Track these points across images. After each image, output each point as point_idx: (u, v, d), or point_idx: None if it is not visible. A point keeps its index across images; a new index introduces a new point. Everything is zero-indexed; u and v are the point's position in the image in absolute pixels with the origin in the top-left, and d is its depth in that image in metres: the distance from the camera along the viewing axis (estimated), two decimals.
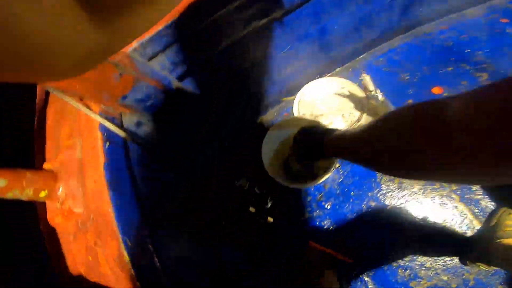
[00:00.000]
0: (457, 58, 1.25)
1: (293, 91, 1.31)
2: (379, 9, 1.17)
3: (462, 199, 1.04)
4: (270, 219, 0.88)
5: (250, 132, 1.28)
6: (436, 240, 0.99)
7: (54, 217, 0.78)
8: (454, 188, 1.06)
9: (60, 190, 0.73)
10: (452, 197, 1.05)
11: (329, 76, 1.40)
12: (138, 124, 0.91)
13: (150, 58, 0.95)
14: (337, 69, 1.41)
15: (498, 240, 0.89)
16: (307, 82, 1.31)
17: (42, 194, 0.75)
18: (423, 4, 1.25)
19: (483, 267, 0.92)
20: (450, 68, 1.24)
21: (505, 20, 1.28)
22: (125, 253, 0.67)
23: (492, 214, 1.00)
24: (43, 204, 0.82)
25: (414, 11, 1.27)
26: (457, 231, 1.00)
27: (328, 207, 1.13)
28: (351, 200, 1.12)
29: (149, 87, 0.90)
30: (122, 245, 0.68)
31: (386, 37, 1.36)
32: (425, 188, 1.08)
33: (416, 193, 1.07)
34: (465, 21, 1.32)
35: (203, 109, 1.09)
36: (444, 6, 1.32)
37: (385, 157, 0.50)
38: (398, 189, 1.10)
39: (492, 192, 1.03)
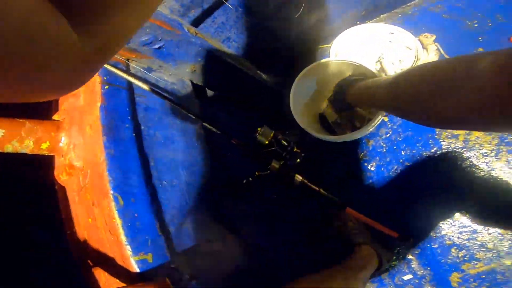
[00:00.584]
0: None
1: (329, 37, 1.12)
2: None
3: None
4: (299, 178, 0.75)
5: (285, 81, 1.09)
6: (509, 215, 0.82)
7: (59, 174, 0.68)
8: None
9: (62, 141, 0.62)
10: None
11: (373, 22, 1.19)
12: (148, 70, 0.77)
13: None
14: (382, 15, 1.19)
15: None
16: (346, 28, 1.11)
17: (44, 146, 0.64)
18: None
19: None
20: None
21: None
22: (115, 214, 0.57)
23: None
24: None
25: None
26: None
27: (372, 168, 0.98)
28: (400, 161, 0.94)
29: (154, 28, 0.74)
30: (113, 204, 0.57)
31: None
32: (499, 149, 0.86)
33: (487, 155, 0.85)
34: None
35: (225, 57, 0.93)
36: None
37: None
38: (463, 148, 0.89)
39: None
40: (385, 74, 0.94)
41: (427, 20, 1.10)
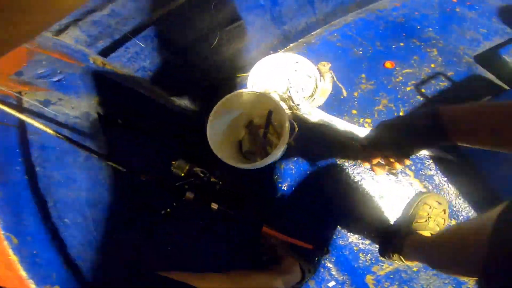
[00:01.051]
0: (408, 34, 1.26)
1: (247, 67, 1.21)
2: None
3: (416, 175, 1.04)
4: (214, 206, 0.77)
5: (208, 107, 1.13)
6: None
7: None
8: (408, 163, 1.05)
9: None
10: (407, 173, 1.05)
11: (283, 51, 1.32)
12: (46, 103, 0.73)
13: (59, 32, 0.77)
14: (291, 45, 1.34)
15: (411, 234, 0.81)
16: (261, 58, 1.22)
17: None
18: None
19: (398, 261, 0.84)
20: (402, 44, 1.24)
21: (454, 0, 1.33)
22: (10, 252, 0.59)
23: (410, 202, 0.97)
24: None
25: None
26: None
27: (285, 188, 1.07)
28: (307, 180, 1.07)
29: (52, 60, 0.72)
30: (6, 243, 0.59)
31: (341, 12, 1.32)
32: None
33: (370, 170, 1.05)
34: None
35: (136, 86, 0.93)
36: None
37: None
38: (353, 166, 1.08)
39: (444, 167, 1.04)
40: (293, 102, 1.04)
41: (325, 49, 1.28)
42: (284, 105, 1.13)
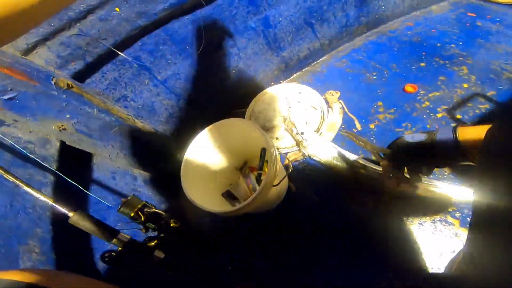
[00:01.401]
0: (428, 53, 1.08)
1: (245, 101, 1.10)
2: None
3: (463, 224, 0.75)
4: (160, 254, 0.56)
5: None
6: None
7: None
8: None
9: None
10: (449, 222, 0.76)
11: (286, 82, 1.21)
12: None
13: (27, 52, 0.73)
14: (295, 75, 1.23)
15: None
16: (261, 90, 1.12)
17: None
18: None
19: None
20: (423, 64, 1.06)
21: (472, 14, 1.18)
22: None
23: (454, 258, 0.67)
24: None
25: (373, 5, 1.13)
26: None
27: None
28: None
29: (3, 77, 0.66)
30: None
31: (347, 36, 1.21)
32: None
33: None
34: (431, 17, 1.22)
35: (108, 115, 0.84)
36: (405, 2, 1.20)
37: None
38: (377, 211, 0.81)
39: None
40: (298, 135, 0.89)
41: (333, 76, 1.14)
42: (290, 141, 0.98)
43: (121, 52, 0.87)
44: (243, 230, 0.94)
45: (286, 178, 0.94)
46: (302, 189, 0.93)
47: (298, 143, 0.95)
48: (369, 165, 0.84)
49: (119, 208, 0.60)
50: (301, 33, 1.09)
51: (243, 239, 0.91)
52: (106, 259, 0.54)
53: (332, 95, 1.07)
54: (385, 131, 0.95)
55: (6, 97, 0.67)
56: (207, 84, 1.05)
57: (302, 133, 0.94)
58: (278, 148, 1.01)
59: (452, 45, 1.09)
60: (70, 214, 0.47)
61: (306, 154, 0.94)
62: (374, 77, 1.09)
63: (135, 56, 0.90)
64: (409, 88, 1.01)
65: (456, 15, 1.20)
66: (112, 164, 0.93)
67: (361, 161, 0.85)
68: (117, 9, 0.79)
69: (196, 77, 1.02)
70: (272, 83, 1.19)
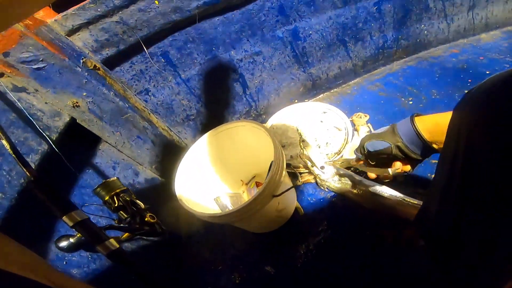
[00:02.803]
0: (475, 80, 0.97)
1: (265, 116, 1.08)
2: (366, 16, 0.98)
3: None
4: (113, 244, 0.48)
5: None
6: None
7: None
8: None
9: None
10: None
11: (312, 101, 1.15)
12: (21, 90, 0.68)
13: (70, 32, 0.79)
14: (322, 95, 1.17)
15: None
16: (284, 105, 1.08)
17: None
18: (422, 19, 1.06)
19: None
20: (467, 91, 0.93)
21: None
22: None
23: None
24: None
25: (414, 28, 1.07)
26: None
27: None
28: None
29: (38, 47, 0.70)
30: None
31: (383, 59, 1.14)
32: None
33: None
34: (480, 45, 1.13)
35: (123, 101, 0.84)
36: (450, 28, 1.12)
37: None
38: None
39: None
40: (310, 162, 0.85)
41: (363, 99, 1.07)
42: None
43: (153, 45, 0.91)
44: (236, 248, 0.83)
45: (294, 199, 0.84)
46: (312, 214, 0.81)
47: (314, 176, 0.86)
48: (387, 192, 0.71)
49: (95, 188, 0.55)
50: (333, 50, 1.05)
51: (231, 259, 0.80)
52: (60, 244, 0.48)
53: (360, 117, 0.99)
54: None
55: (36, 66, 0.70)
56: (228, 90, 1.03)
57: (322, 168, 0.85)
58: (294, 168, 0.92)
59: None
60: (32, 178, 0.43)
61: (324, 188, 0.84)
62: (410, 102, 0.99)
63: (164, 50, 0.92)
64: None
65: (509, 43, 1.10)
66: (118, 155, 0.91)
67: (378, 188, 0.73)
68: (156, 1, 0.83)
69: (219, 81, 1.01)
70: (296, 101, 1.15)
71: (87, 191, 0.73)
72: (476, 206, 0.37)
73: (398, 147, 0.59)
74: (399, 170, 0.62)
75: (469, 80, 0.97)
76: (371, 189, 0.73)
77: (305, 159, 0.85)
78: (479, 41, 1.15)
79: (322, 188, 0.85)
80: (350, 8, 0.97)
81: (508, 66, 0.98)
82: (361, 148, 0.68)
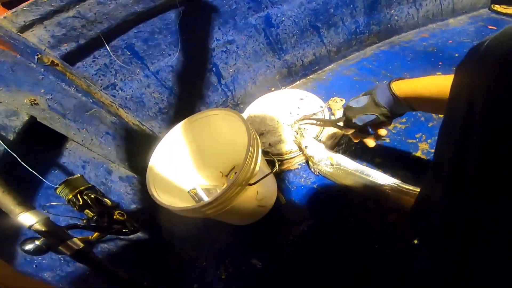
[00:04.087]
0: (446, 62, 1.00)
1: (241, 106, 1.08)
2: (337, 1, 0.99)
3: None
4: (76, 244, 0.45)
5: None
6: None
7: None
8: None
9: None
10: None
11: (289, 88, 1.15)
12: None
13: (23, 29, 0.74)
14: (298, 82, 1.16)
15: None
16: (261, 94, 1.07)
17: None
18: (391, 5, 1.08)
19: None
20: (439, 73, 0.97)
21: (493, 27, 1.13)
22: None
23: None
24: None
25: (384, 13, 1.08)
26: None
27: None
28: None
29: None
30: None
31: (357, 44, 1.16)
32: None
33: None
34: (449, 29, 1.16)
35: (86, 96, 0.80)
36: (419, 13, 1.15)
37: None
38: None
39: None
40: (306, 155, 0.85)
41: (339, 84, 1.08)
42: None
43: (116, 38, 0.87)
44: (220, 243, 0.82)
45: (275, 187, 0.83)
46: (294, 202, 0.81)
47: (307, 159, 0.86)
48: (381, 179, 0.72)
49: (57, 187, 0.51)
50: (306, 37, 1.05)
51: (215, 254, 0.79)
52: (26, 247, 0.45)
53: (336, 102, 1.00)
54: (396, 142, 0.84)
55: None
56: (202, 80, 1.01)
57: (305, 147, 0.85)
58: (272, 155, 0.91)
59: None
60: None
61: (316, 172, 0.84)
62: None
63: (129, 43, 0.88)
64: None
65: (476, 27, 1.14)
66: (87, 153, 0.86)
67: (372, 172, 0.74)
68: None
69: (191, 72, 0.98)
70: (273, 89, 1.14)
71: (53, 192, 0.69)
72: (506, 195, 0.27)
73: (383, 114, 0.62)
74: (385, 133, 0.68)
75: (440, 62, 1.00)
76: (363, 175, 0.74)
77: (299, 137, 0.85)
78: (447, 26, 1.19)
79: (313, 172, 0.84)
80: None
81: None
82: (348, 122, 0.70)
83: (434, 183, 0.41)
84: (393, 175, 0.72)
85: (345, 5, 1.02)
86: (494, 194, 0.28)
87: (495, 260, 0.28)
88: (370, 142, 0.71)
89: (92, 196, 0.52)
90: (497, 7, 1.21)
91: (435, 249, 0.41)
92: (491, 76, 0.26)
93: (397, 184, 0.69)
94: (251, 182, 0.59)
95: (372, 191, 0.72)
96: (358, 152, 0.85)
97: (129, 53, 0.90)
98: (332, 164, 0.80)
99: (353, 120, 0.67)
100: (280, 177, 0.88)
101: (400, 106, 0.59)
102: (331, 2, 0.99)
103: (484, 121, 0.27)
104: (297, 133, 0.90)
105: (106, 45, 0.85)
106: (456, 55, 1.01)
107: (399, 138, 0.85)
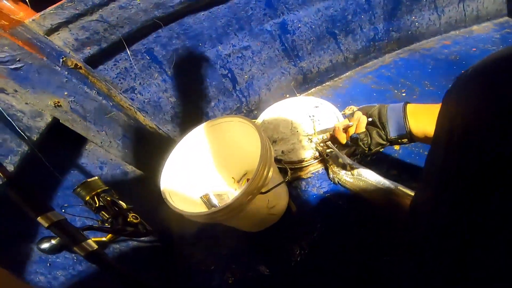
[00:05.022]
0: None
1: (256, 113, 1.09)
2: (355, 7, 0.98)
3: None
4: (92, 245, 0.47)
5: None
6: None
7: None
8: None
9: None
10: None
11: (305, 95, 1.14)
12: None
13: (49, 32, 0.78)
14: (313, 89, 1.16)
15: None
16: (276, 100, 1.07)
17: None
18: (412, 11, 1.05)
19: None
20: None
21: None
22: None
23: None
24: None
25: (404, 20, 1.06)
26: None
27: None
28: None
29: (14, 47, 0.69)
30: None
31: (375, 51, 1.14)
32: None
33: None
34: (472, 36, 1.13)
35: (106, 99, 0.83)
36: (441, 20, 1.12)
37: None
38: None
39: None
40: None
41: (356, 92, 1.07)
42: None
43: (136, 42, 0.90)
44: (228, 248, 0.82)
45: (286, 195, 0.83)
46: (305, 211, 0.80)
47: (327, 168, 0.85)
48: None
49: (76, 188, 0.53)
50: (323, 43, 1.04)
51: (223, 259, 0.79)
52: (42, 246, 0.47)
53: (353, 110, 0.98)
54: (412, 154, 0.81)
55: (13, 66, 0.69)
56: (218, 86, 1.02)
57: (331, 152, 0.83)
58: (285, 163, 0.91)
59: None
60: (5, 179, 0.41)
61: (335, 182, 0.83)
62: (403, 94, 0.98)
63: (148, 47, 0.91)
64: None
65: (501, 34, 1.10)
66: (105, 155, 0.89)
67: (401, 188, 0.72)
68: None
69: (208, 77, 1.00)
70: (287, 96, 1.14)
71: (71, 192, 0.72)
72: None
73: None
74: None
75: (462, 71, 0.96)
76: (384, 187, 0.72)
77: (324, 145, 0.85)
78: (471, 33, 1.15)
79: (331, 180, 0.83)
80: (339, 0, 0.96)
81: None
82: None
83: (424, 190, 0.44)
84: (409, 187, 0.70)
85: (364, 11, 1.00)
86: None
87: (496, 259, 0.29)
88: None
89: (108, 198, 0.54)
90: None
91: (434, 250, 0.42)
92: (472, 102, 0.29)
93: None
94: (263, 190, 0.59)
95: (392, 204, 0.70)
96: (373, 163, 0.83)
97: (148, 58, 0.93)
98: (352, 174, 0.79)
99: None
100: (292, 185, 0.87)
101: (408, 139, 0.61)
102: (349, 8, 0.98)
103: (463, 147, 0.30)
104: (319, 143, 0.89)
105: (127, 49, 0.88)
106: None
107: (416, 150, 0.82)
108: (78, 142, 0.85)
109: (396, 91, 1.00)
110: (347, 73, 1.16)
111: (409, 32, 1.12)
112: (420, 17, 1.10)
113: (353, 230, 0.71)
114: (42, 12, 0.77)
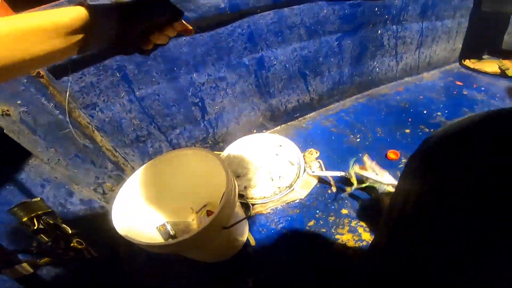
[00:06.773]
0: (414, 119, 1.12)
1: (223, 145, 1.11)
2: (327, 50, 1.09)
3: None
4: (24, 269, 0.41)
5: None
6: None
7: None
8: None
9: None
10: None
11: (270, 132, 1.19)
12: None
13: None
14: (279, 127, 1.22)
15: None
16: (242, 135, 1.12)
17: None
18: (375, 57, 1.20)
19: None
20: (408, 130, 1.07)
21: (460, 83, 1.29)
22: None
23: None
24: None
25: (368, 65, 1.20)
26: None
27: None
28: None
29: None
30: None
31: (338, 95, 1.26)
32: None
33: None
34: (421, 83, 1.31)
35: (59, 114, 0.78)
36: (398, 66, 1.29)
37: None
38: None
39: None
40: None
41: (317, 134, 1.16)
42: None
43: (110, 57, 0.86)
44: (184, 278, 0.78)
45: (246, 229, 0.83)
46: (263, 245, 0.81)
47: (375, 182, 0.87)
48: None
49: (12, 208, 0.48)
50: (293, 82, 1.13)
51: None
52: None
53: (312, 154, 1.06)
54: (362, 195, 0.88)
55: None
56: (186, 113, 1.02)
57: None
58: (247, 198, 0.92)
59: (438, 113, 1.15)
60: None
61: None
62: (358, 140, 1.08)
63: (121, 64, 0.88)
64: (391, 154, 0.99)
65: (445, 83, 1.29)
66: (50, 172, 0.81)
67: None
68: None
69: (176, 104, 0.99)
70: (255, 131, 1.18)
71: (5, 208, 0.63)
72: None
73: None
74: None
75: (409, 119, 1.11)
76: None
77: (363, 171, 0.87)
78: (421, 80, 1.34)
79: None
80: (314, 42, 1.05)
81: (441, 106, 1.17)
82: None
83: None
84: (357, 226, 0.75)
85: (334, 54, 1.12)
86: None
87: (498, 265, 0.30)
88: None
89: (51, 221, 0.48)
90: (467, 62, 1.39)
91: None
92: (419, 185, 0.33)
93: None
94: (226, 225, 0.59)
95: None
96: (324, 202, 0.87)
97: (118, 75, 0.90)
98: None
99: None
100: (252, 219, 0.88)
101: None
102: (321, 50, 1.08)
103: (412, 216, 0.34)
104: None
105: (99, 63, 0.85)
106: (425, 112, 1.14)
107: (365, 193, 0.89)
108: (20, 155, 0.77)
109: (352, 136, 1.10)
110: (311, 114, 1.25)
111: (370, 77, 1.26)
112: (381, 62, 1.25)
113: (308, 264, 0.73)
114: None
